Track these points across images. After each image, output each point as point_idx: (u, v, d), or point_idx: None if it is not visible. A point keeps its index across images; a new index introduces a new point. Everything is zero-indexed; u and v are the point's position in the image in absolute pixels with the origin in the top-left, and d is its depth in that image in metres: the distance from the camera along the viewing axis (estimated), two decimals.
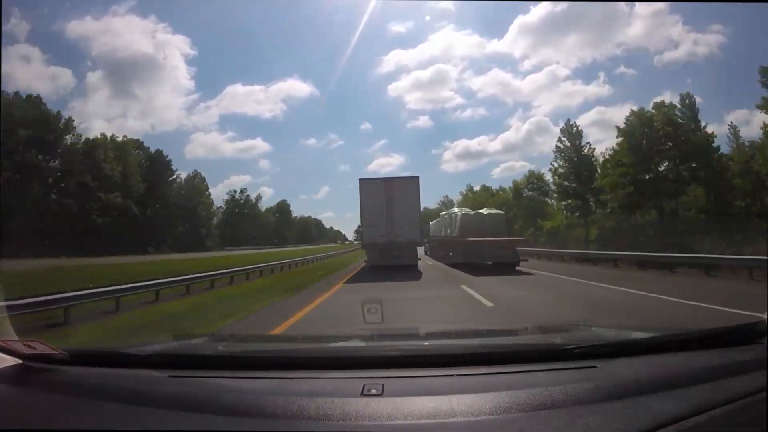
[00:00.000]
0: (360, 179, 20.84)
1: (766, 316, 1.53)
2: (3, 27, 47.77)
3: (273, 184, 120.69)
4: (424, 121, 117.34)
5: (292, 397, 1.25)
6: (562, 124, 40.66)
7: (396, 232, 19.33)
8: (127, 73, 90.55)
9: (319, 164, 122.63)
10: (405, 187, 20.08)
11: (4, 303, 3.04)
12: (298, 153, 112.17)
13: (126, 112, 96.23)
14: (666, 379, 1.29)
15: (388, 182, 20.24)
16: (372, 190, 20.01)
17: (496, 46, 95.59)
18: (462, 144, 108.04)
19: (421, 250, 24.49)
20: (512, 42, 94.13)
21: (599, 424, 1.08)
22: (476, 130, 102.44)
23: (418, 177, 20.76)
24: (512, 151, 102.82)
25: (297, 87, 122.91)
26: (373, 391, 1.27)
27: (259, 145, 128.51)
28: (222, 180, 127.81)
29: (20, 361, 1.58)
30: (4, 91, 43.38)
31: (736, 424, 1.11)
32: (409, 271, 17.77)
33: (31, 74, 70.42)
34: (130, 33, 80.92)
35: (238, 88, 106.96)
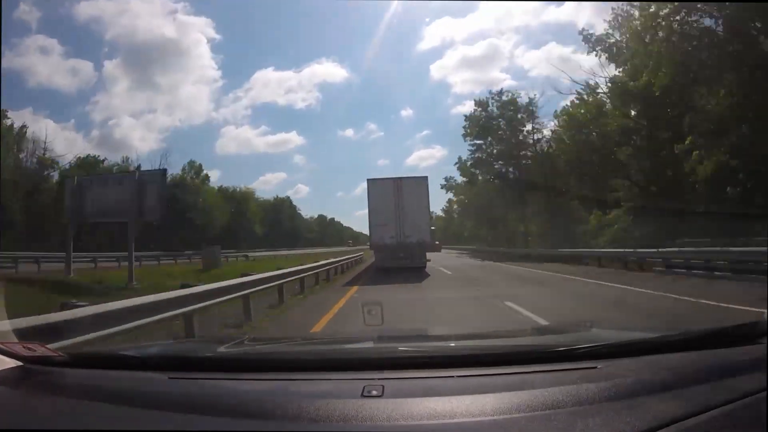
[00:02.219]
0: (368, 179, 20.79)
1: (766, 316, 1.53)
2: (13, 16, 46.50)
3: (309, 182, 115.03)
4: (470, 107, 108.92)
5: (292, 399, 1.25)
6: None
7: (406, 233, 19.16)
8: (146, 60, 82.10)
9: (356, 159, 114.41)
10: (414, 187, 19.93)
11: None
12: (335, 147, 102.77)
13: (152, 106, 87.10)
14: (666, 379, 1.29)
15: (397, 182, 20.10)
16: (380, 190, 19.91)
17: (556, 13, 74.92)
18: None
19: (436, 256, 20.78)
20: (575, 7, 78.38)
21: (600, 425, 1.08)
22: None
23: (426, 177, 20.70)
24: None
25: (331, 71, 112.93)
26: (374, 393, 1.26)
27: (294, 138, 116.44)
28: (256, 177, 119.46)
29: (20, 364, 1.57)
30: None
31: (736, 424, 1.11)
32: None
33: (50, 68, 67.34)
34: (146, 13, 73.82)
35: (269, 74, 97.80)
